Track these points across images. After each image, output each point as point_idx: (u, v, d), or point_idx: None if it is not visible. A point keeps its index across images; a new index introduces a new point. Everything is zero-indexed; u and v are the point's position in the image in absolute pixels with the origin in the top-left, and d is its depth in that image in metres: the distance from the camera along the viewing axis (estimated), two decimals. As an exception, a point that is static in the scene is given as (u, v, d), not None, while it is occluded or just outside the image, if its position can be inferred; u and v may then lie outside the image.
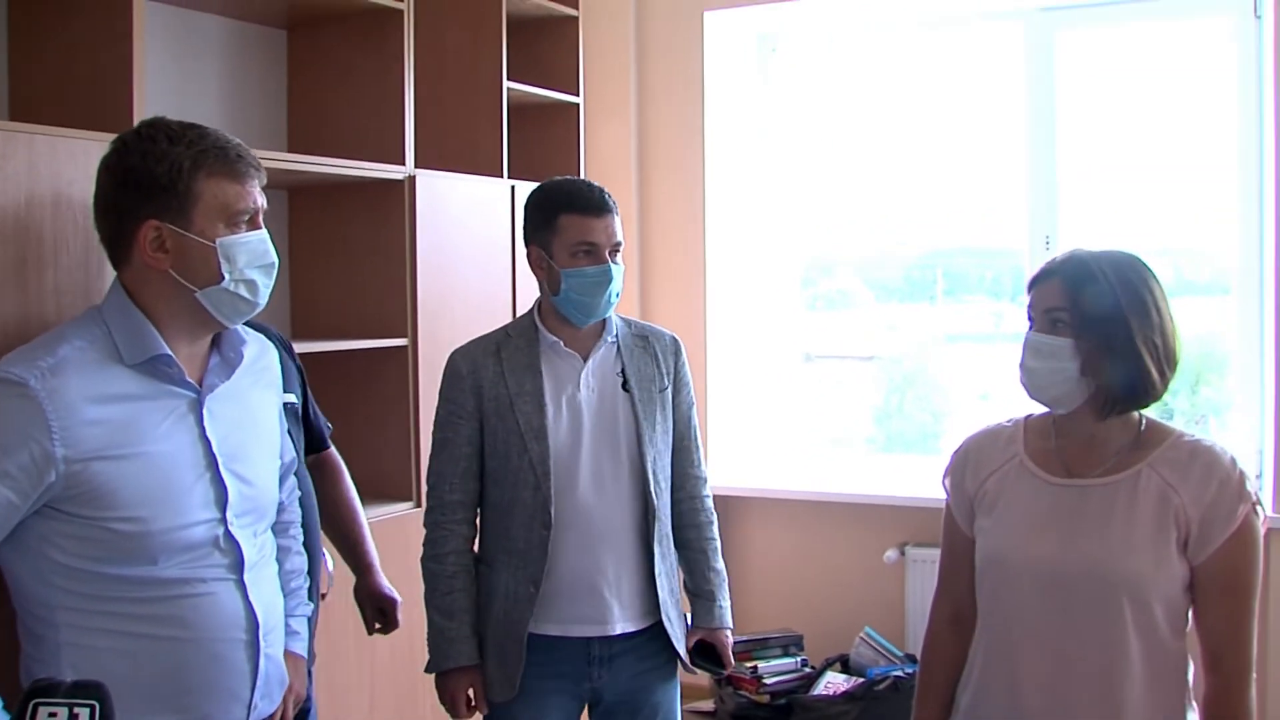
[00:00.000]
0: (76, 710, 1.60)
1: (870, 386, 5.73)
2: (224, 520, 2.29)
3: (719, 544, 3.13)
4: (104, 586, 2.16)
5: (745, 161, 5.50)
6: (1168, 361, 2.31)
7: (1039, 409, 2.45)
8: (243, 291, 2.28)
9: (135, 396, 2.21)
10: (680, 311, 5.10)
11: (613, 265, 2.88)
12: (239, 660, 2.31)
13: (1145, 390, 2.29)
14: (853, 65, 5.51)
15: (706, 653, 3.06)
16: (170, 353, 2.24)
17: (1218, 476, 2.25)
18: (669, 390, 3.01)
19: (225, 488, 2.29)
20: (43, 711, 1.60)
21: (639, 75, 5.35)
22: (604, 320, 2.97)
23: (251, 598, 2.32)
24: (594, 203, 2.89)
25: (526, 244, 2.98)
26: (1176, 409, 5.08)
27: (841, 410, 5.72)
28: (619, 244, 2.92)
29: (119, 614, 2.18)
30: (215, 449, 2.29)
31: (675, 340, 3.10)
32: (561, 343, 2.94)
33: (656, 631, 2.95)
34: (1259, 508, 2.26)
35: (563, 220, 2.89)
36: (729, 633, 3.09)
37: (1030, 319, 2.37)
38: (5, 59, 3.22)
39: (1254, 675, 2.26)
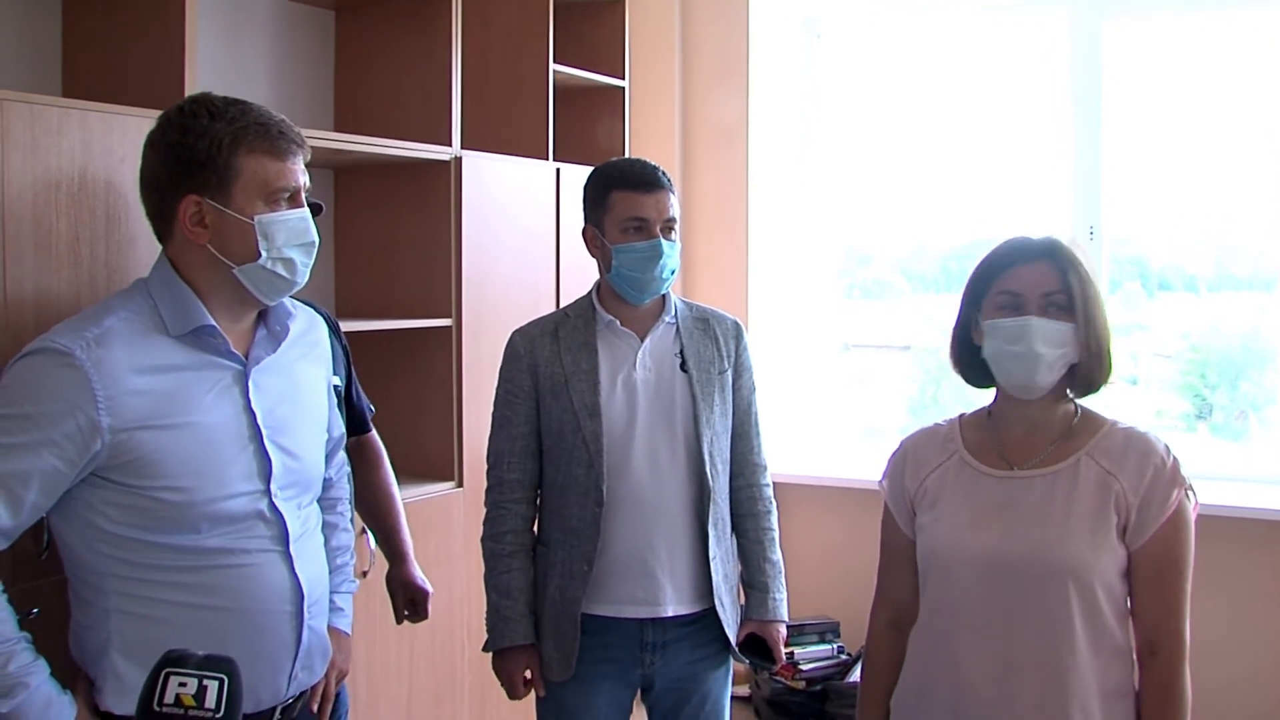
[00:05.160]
0: (206, 682, 1.64)
1: (906, 376, 5.72)
2: (268, 492, 2.31)
3: (777, 534, 3.10)
4: (150, 554, 2.19)
5: (788, 148, 5.50)
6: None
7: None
8: (280, 270, 2.29)
9: (180, 367, 2.23)
10: (722, 298, 5.08)
11: (664, 241, 2.88)
12: (282, 631, 2.33)
13: (1109, 371, 2.35)
14: (897, 52, 5.48)
15: (757, 645, 3.03)
16: (214, 324, 2.26)
17: (1153, 463, 2.29)
18: (729, 373, 3.00)
19: (269, 460, 2.31)
20: (174, 680, 1.63)
21: (684, 59, 5.35)
22: (663, 301, 2.98)
23: (296, 569, 2.34)
24: (644, 179, 2.89)
25: (583, 224, 2.99)
26: (1216, 404, 5.05)
27: (877, 399, 5.72)
28: (672, 220, 2.91)
29: (164, 582, 2.20)
30: (260, 421, 2.31)
31: (737, 324, 3.09)
32: (618, 322, 2.94)
33: (711, 619, 2.94)
34: (1190, 492, 2.30)
35: (614, 196, 2.89)
36: (782, 626, 3.07)
37: (1009, 303, 2.33)
38: (59, 37, 3.25)
39: (1187, 659, 2.29)
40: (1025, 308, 2.31)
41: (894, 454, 2.58)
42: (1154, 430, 2.39)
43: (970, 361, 2.46)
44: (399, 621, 3.11)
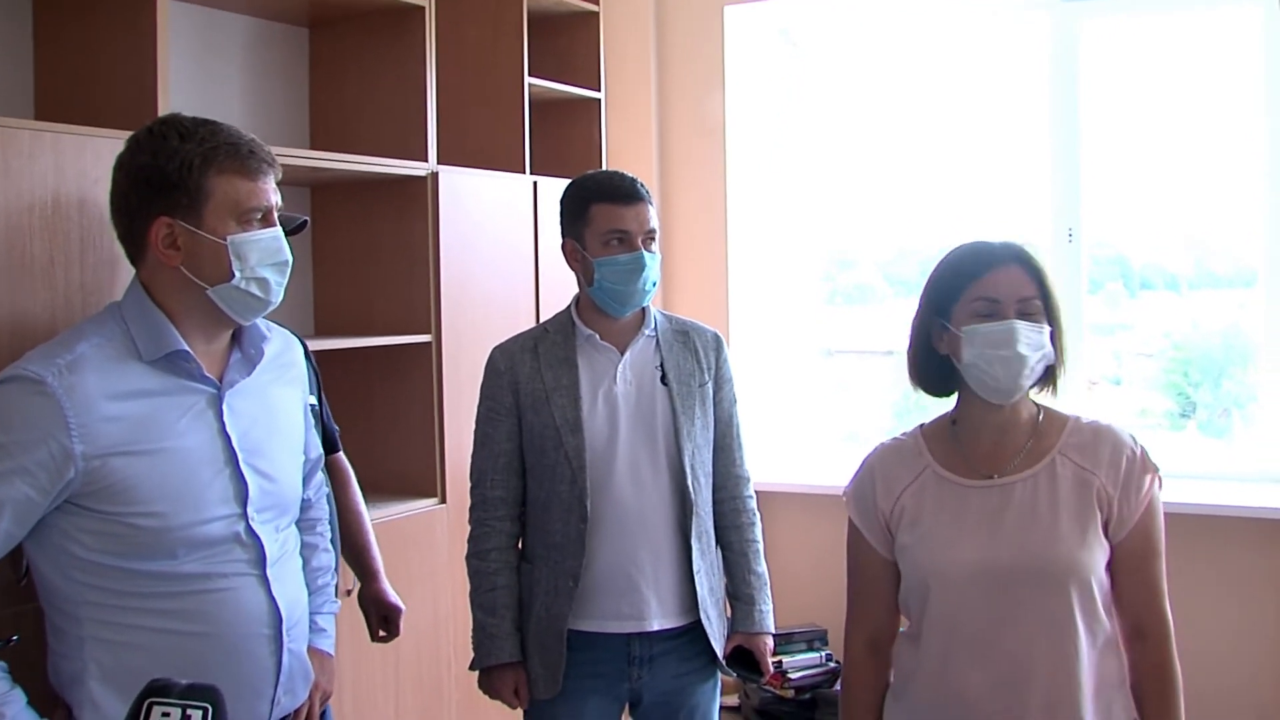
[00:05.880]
0: (189, 712, 1.62)
1: (889, 381, 5.72)
2: (245, 515, 2.29)
3: (761, 546, 3.09)
4: (125, 581, 2.17)
5: (766, 156, 5.50)
6: None
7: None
8: (254, 290, 2.28)
9: (153, 392, 2.21)
10: (702, 306, 5.08)
11: (646, 253, 2.87)
12: (262, 655, 2.31)
13: (1060, 370, 2.38)
14: (874, 59, 5.48)
15: (744, 658, 3.02)
16: (188, 349, 2.25)
17: (1125, 454, 2.32)
18: (709, 386, 2.99)
19: (245, 483, 2.30)
20: (156, 711, 1.62)
21: (660, 70, 5.35)
22: (643, 314, 2.98)
23: (274, 593, 2.32)
24: (624, 191, 2.89)
25: (562, 238, 2.98)
26: (1199, 402, 5.06)
27: (860, 405, 5.71)
28: (652, 232, 2.91)
29: (141, 609, 2.19)
30: (235, 444, 2.30)
31: (717, 336, 3.08)
32: (598, 336, 2.93)
33: (698, 632, 2.93)
34: (1159, 476, 2.34)
35: (594, 210, 2.88)
36: (769, 638, 3.05)
37: (985, 309, 2.31)
38: (30, 59, 3.23)
39: (1174, 638, 2.33)
40: (1004, 313, 2.31)
41: (858, 473, 2.53)
42: (1129, 427, 2.41)
43: (930, 371, 2.44)
44: (374, 639, 3.10)
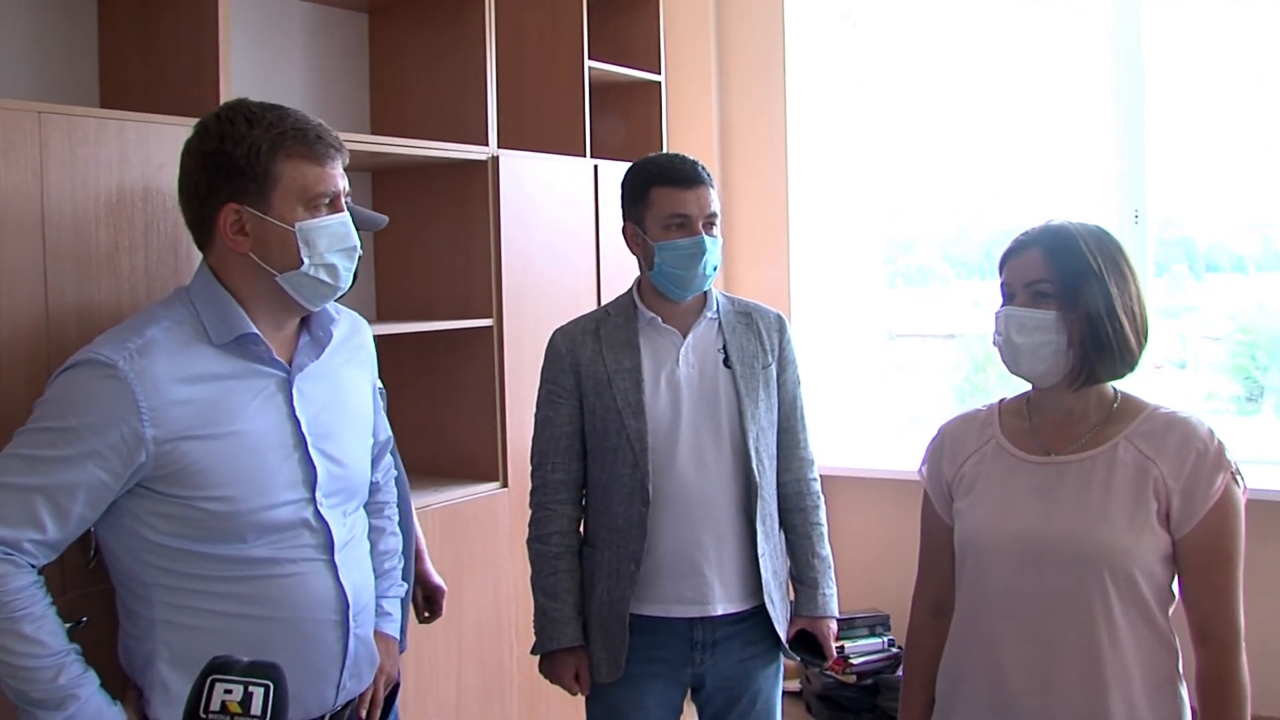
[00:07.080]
0: (251, 689, 1.64)
1: (951, 364, 5.67)
2: (313, 500, 2.29)
3: (825, 529, 3.07)
4: (196, 564, 2.19)
5: (827, 138, 5.46)
6: (1144, 330, 2.30)
7: (1013, 391, 2.48)
8: (323, 275, 2.28)
9: (223, 376, 2.22)
10: (763, 290, 5.05)
11: (707, 237, 2.85)
12: (329, 640, 2.32)
13: (1124, 360, 2.28)
14: (935, 38, 5.42)
15: (808, 642, 3.01)
16: (257, 331, 2.25)
17: (1195, 447, 2.22)
18: (773, 367, 2.97)
19: (314, 467, 2.30)
20: (219, 687, 1.64)
21: (720, 52, 5.33)
22: (705, 296, 2.95)
23: (342, 578, 2.32)
24: (685, 174, 2.86)
25: (623, 222, 2.96)
26: (1268, 386, 4.98)
27: (923, 389, 5.67)
28: (713, 215, 2.88)
29: (210, 592, 2.20)
30: (304, 429, 2.30)
31: (780, 318, 3.05)
32: (660, 319, 2.92)
33: (761, 616, 2.91)
34: (1238, 476, 2.24)
35: (654, 193, 2.87)
36: (832, 622, 3.04)
37: (1005, 294, 2.33)
38: (96, 48, 3.26)
39: (1243, 645, 2.23)
40: (1013, 299, 2.31)
41: (933, 440, 2.55)
42: (1200, 414, 2.33)
43: None
44: (420, 620, 3.11)
